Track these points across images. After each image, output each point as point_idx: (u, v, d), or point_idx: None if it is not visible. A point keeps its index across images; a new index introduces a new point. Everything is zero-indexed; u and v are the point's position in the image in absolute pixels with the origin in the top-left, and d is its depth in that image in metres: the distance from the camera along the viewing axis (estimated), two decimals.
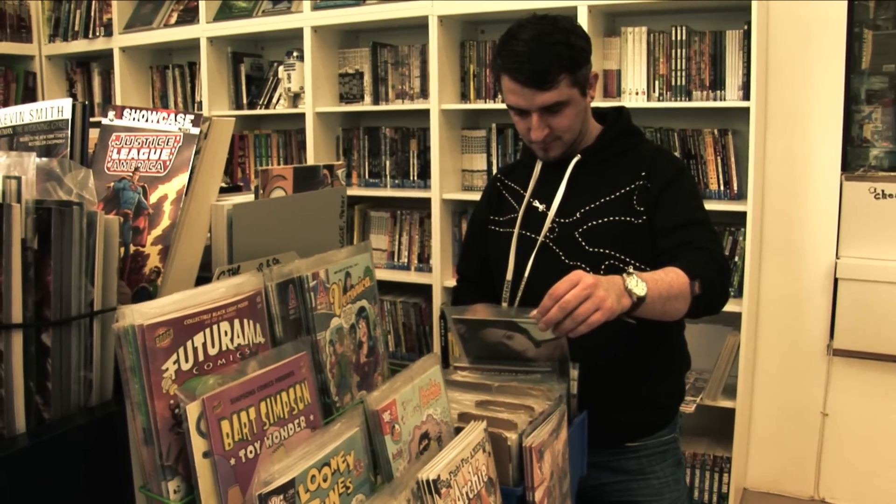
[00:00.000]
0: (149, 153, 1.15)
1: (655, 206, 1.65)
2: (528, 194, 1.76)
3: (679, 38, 2.98)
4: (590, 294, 1.31)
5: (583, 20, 2.91)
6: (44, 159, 1.00)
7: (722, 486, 3.07)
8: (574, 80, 1.61)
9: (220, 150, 1.16)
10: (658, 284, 1.44)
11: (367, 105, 3.64)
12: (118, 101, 4.21)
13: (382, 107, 3.60)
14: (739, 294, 2.88)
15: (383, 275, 3.47)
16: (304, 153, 3.75)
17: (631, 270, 1.43)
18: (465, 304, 1.81)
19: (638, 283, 1.41)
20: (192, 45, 3.95)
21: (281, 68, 3.76)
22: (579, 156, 1.72)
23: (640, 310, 1.42)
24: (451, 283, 3.24)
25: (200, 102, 4.01)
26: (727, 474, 3.05)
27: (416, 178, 3.57)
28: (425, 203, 3.44)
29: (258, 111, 3.89)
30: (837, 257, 3.00)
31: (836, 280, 2.97)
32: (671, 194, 1.66)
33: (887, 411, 2.99)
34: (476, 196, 3.13)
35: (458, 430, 1.20)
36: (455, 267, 3.30)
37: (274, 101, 3.85)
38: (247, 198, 1.23)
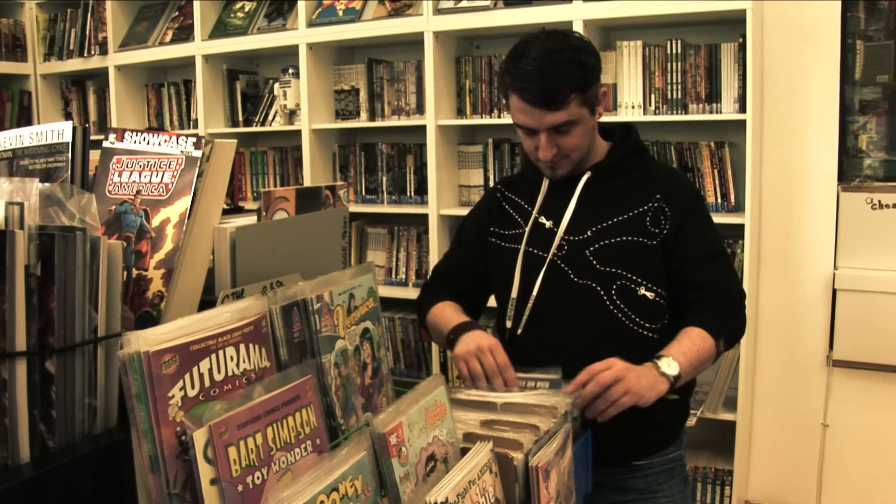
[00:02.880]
0: (150, 176, 1.14)
1: (677, 233, 1.66)
2: (535, 211, 1.74)
3: (674, 51, 2.99)
4: (622, 377, 1.42)
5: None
6: (46, 184, 0.99)
7: (724, 499, 3.06)
8: (584, 100, 1.58)
9: (222, 173, 1.15)
10: (688, 357, 1.53)
11: (363, 121, 3.65)
12: (113, 120, 4.21)
13: (378, 123, 3.60)
14: None
15: (381, 291, 3.41)
16: (300, 170, 3.75)
17: (661, 354, 1.52)
18: (428, 302, 1.81)
19: (670, 364, 1.50)
20: (188, 62, 3.96)
21: (276, 85, 3.76)
22: (589, 172, 1.70)
23: (676, 385, 1.51)
24: None
25: (196, 120, 4.01)
26: (729, 487, 3.05)
27: (412, 193, 3.57)
28: (423, 219, 3.44)
29: (254, 128, 3.90)
30: (835, 268, 3.00)
31: (834, 291, 2.98)
32: (692, 223, 1.67)
33: (888, 422, 2.99)
34: None
35: (463, 451, 1.20)
36: None
37: (270, 118, 3.86)
38: (249, 220, 1.22)
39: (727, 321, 1.63)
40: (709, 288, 1.64)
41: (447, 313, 1.74)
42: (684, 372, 1.51)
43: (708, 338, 1.56)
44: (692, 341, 1.55)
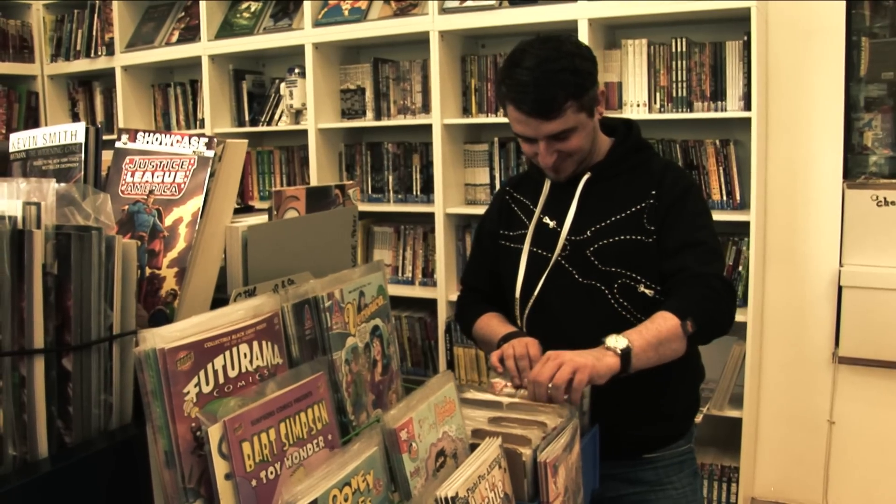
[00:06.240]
0: (163, 176, 1.16)
1: (661, 226, 1.65)
2: (538, 211, 1.75)
3: (679, 49, 3.00)
4: (561, 363, 1.40)
5: (583, 33, 2.93)
6: (62, 184, 1.00)
7: (730, 496, 3.07)
8: (581, 106, 1.58)
9: (233, 173, 1.17)
10: (643, 335, 1.49)
11: (369, 121, 3.66)
12: (120, 120, 4.23)
13: (384, 122, 3.61)
14: (744, 304, 2.88)
15: (388, 290, 3.47)
16: (306, 169, 3.77)
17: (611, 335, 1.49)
18: (470, 315, 1.83)
19: (617, 339, 1.47)
20: (194, 62, 3.97)
21: (283, 85, 3.78)
22: (589, 173, 1.70)
23: (634, 362, 1.47)
24: (456, 296, 3.25)
25: (203, 120, 4.03)
26: (735, 484, 3.05)
27: (419, 192, 3.58)
28: (429, 217, 3.45)
29: (260, 128, 3.91)
30: (841, 265, 3.01)
31: (840, 288, 2.98)
32: (675, 214, 1.65)
33: (894, 418, 2.99)
34: (479, 210, 3.15)
35: (472, 447, 1.21)
36: (459, 280, 3.31)
37: (276, 117, 3.87)
38: (260, 219, 1.24)
39: (695, 302, 1.57)
40: (680, 274, 1.61)
41: (493, 324, 1.77)
42: (637, 347, 1.47)
43: (670, 317, 1.53)
44: (652, 322, 1.53)
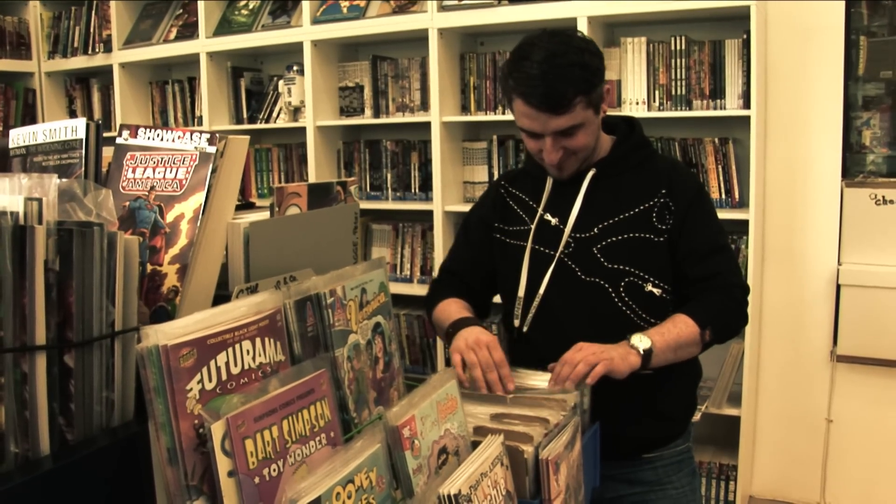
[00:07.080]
0: (164, 172, 1.15)
1: (681, 227, 1.65)
2: (541, 208, 1.73)
3: (678, 47, 3.00)
4: (591, 353, 1.48)
5: (582, 31, 2.93)
6: (64, 180, 1.00)
7: (728, 494, 3.07)
8: (589, 102, 1.56)
9: (235, 169, 1.16)
10: (665, 337, 1.55)
11: (367, 118, 3.65)
12: (118, 117, 4.22)
13: (383, 120, 3.61)
14: None
15: None
16: (305, 167, 3.76)
17: (636, 333, 1.56)
18: (435, 299, 1.80)
19: (641, 339, 1.53)
20: (192, 60, 3.96)
21: (281, 82, 3.77)
22: (594, 169, 1.69)
23: (653, 361, 1.53)
24: None
25: (200, 117, 4.02)
26: (733, 482, 3.06)
27: (417, 190, 3.58)
28: (427, 215, 3.45)
29: (258, 125, 3.90)
30: (839, 264, 3.01)
31: (838, 286, 2.99)
32: (695, 217, 1.66)
33: (892, 416, 3.00)
34: None
35: (474, 444, 1.21)
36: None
37: (274, 115, 3.86)
38: (261, 215, 1.23)
39: (718, 313, 1.63)
40: (709, 281, 1.65)
41: (450, 309, 1.74)
42: (658, 349, 1.53)
43: (691, 324, 1.58)
44: (674, 324, 1.58)
